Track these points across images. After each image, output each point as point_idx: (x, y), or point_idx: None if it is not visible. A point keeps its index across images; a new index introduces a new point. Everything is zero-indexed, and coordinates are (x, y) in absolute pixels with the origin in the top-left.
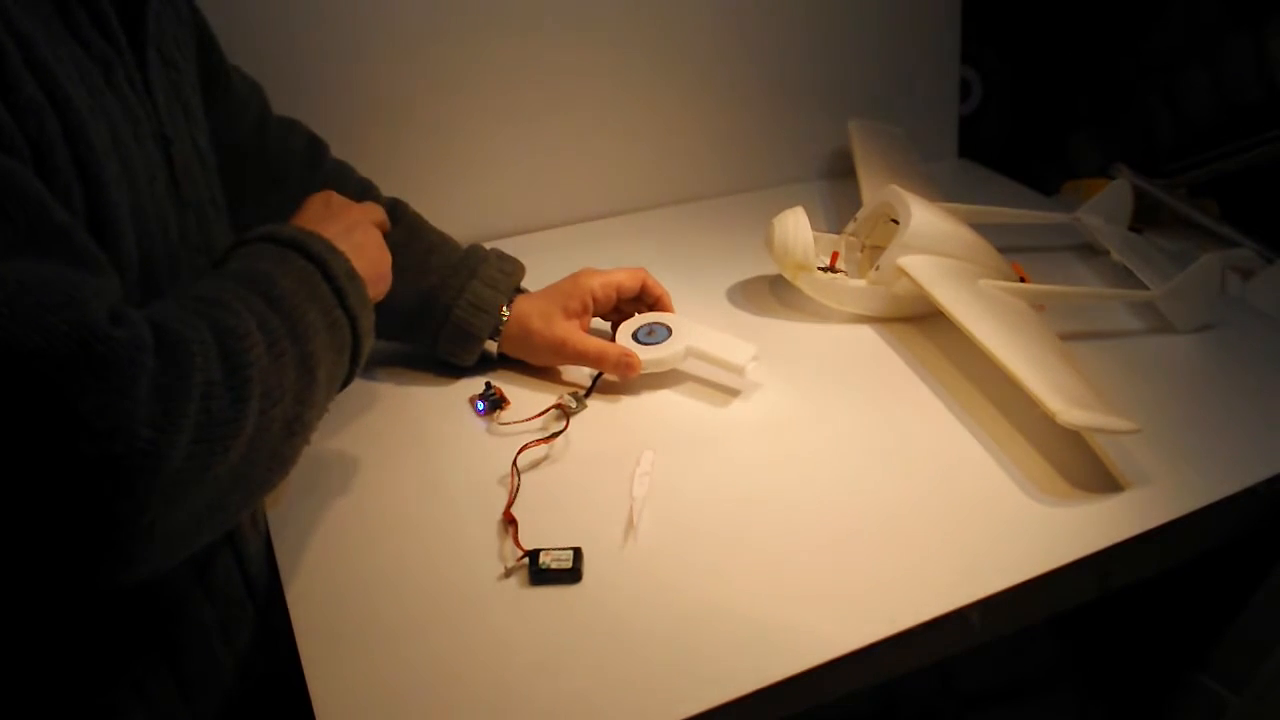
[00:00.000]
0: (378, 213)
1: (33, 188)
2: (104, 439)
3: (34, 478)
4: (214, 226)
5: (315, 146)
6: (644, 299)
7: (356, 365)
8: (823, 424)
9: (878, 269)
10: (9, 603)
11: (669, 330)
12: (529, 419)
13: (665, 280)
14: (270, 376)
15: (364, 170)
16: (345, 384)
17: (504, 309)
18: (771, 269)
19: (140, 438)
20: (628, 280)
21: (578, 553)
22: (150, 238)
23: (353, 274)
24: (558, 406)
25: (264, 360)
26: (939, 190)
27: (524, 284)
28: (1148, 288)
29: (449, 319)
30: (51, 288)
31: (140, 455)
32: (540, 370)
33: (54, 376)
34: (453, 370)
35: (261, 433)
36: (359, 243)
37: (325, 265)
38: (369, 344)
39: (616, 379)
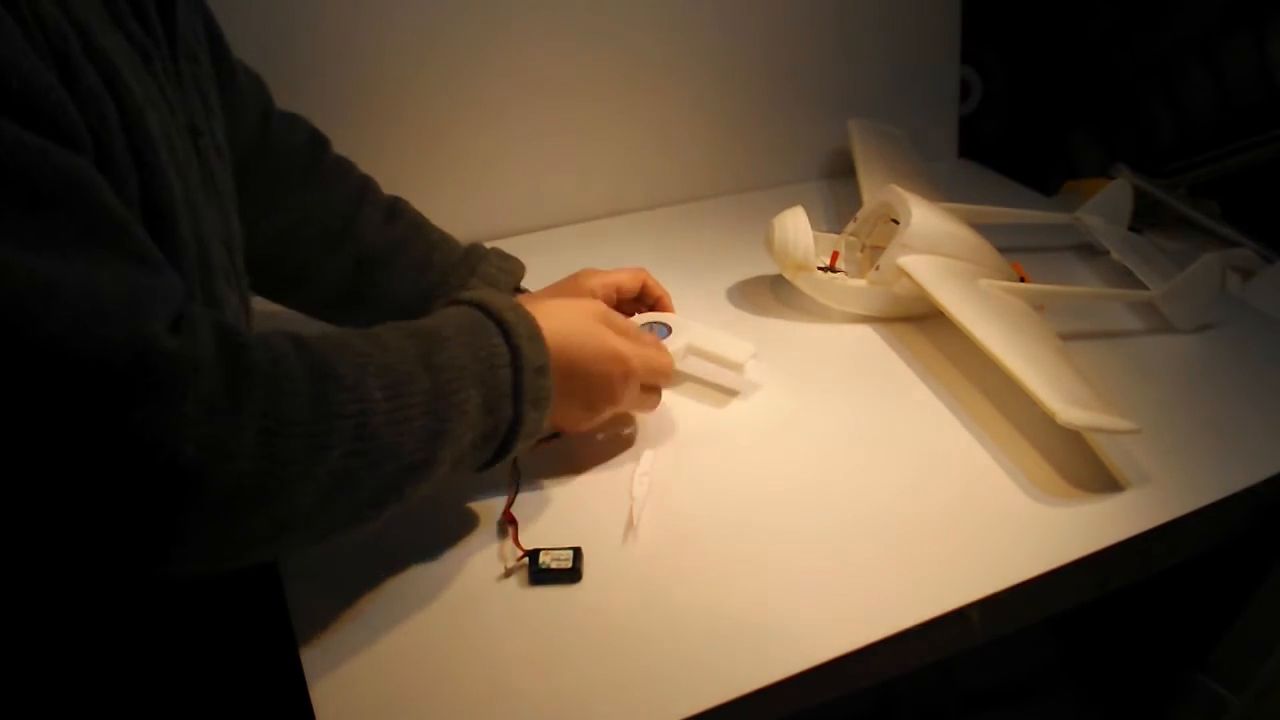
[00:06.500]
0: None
1: (95, 184)
2: (148, 450)
3: (76, 475)
4: (232, 220)
5: (317, 142)
6: (644, 299)
7: (500, 458)
8: (822, 424)
9: (878, 269)
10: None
11: (668, 329)
12: None
13: (665, 280)
14: (375, 436)
15: (365, 168)
16: (481, 469)
17: None
18: (771, 269)
19: (184, 454)
20: (628, 280)
21: (578, 553)
22: (198, 226)
23: (543, 370)
24: None
25: (373, 418)
26: (939, 190)
27: (524, 284)
28: (1148, 288)
29: None
30: (112, 295)
31: (181, 472)
32: None
33: (108, 386)
34: None
35: (343, 487)
36: (601, 372)
37: (519, 353)
38: (527, 445)
39: None
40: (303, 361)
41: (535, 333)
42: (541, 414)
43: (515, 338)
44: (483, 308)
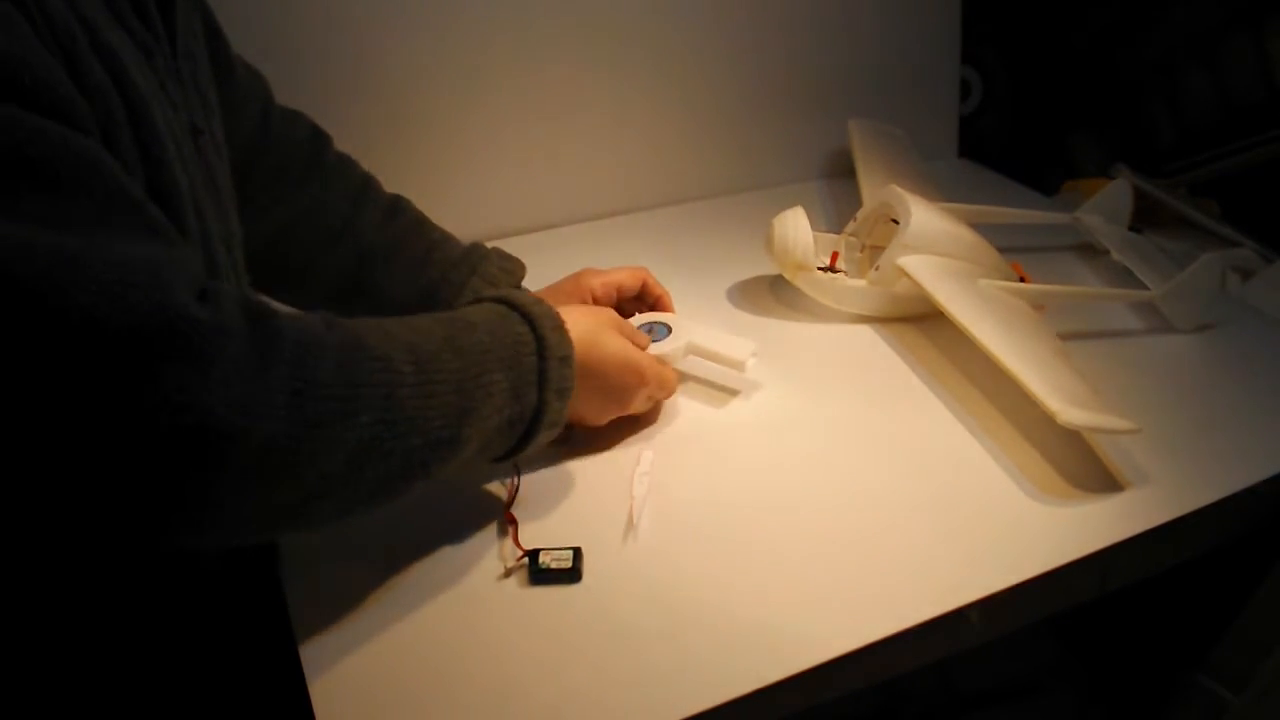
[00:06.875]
0: (667, 379)
1: (108, 163)
2: (179, 413)
3: (110, 441)
4: (231, 218)
5: (318, 139)
6: (644, 299)
7: (522, 448)
8: (822, 424)
9: (878, 269)
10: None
11: (669, 328)
12: None
13: (665, 280)
14: (403, 407)
15: (365, 165)
16: (503, 459)
17: None
18: (771, 269)
19: (216, 416)
20: (628, 280)
21: (578, 552)
22: (202, 222)
23: (567, 360)
24: None
25: (400, 389)
26: (939, 190)
27: (524, 284)
28: (1148, 288)
29: None
30: (135, 265)
31: (213, 433)
32: None
33: (137, 352)
34: None
35: (370, 457)
36: (619, 376)
37: (544, 342)
38: (549, 436)
39: None
40: (330, 332)
41: (559, 325)
42: (564, 405)
43: (540, 328)
44: (507, 302)
